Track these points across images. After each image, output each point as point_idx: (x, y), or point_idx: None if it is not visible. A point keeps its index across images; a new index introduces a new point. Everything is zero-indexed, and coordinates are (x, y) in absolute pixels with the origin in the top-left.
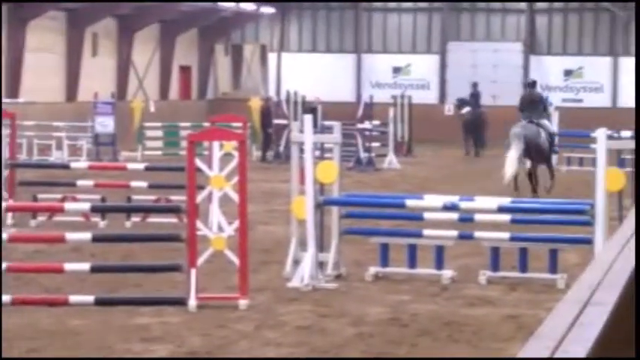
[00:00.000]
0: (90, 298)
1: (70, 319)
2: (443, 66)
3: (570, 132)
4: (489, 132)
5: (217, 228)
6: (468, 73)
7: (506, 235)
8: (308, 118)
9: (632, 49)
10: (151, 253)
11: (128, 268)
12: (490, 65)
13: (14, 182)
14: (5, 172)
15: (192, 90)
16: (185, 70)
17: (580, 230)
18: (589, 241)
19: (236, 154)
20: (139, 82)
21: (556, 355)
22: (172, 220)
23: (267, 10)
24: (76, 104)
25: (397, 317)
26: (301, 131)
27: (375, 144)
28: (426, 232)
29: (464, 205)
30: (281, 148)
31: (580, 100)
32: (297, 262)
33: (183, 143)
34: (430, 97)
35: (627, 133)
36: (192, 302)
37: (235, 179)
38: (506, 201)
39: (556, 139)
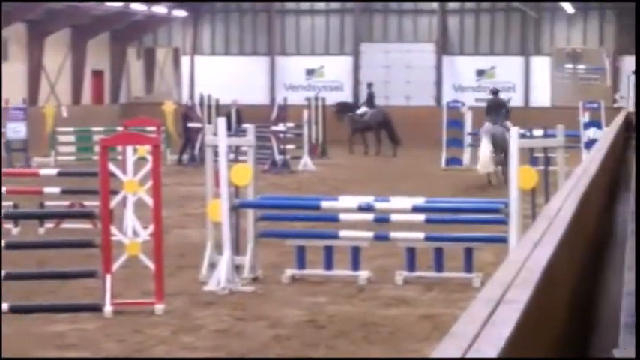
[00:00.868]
0: (4, 306)
1: None
2: (356, 67)
3: None
4: (401, 131)
5: (132, 233)
6: (381, 74)
7: (421, 235)
8: (222, 121)
9: (544, 48)
10: (65, 260)
11: (43, 275)
12: (403, 66)
13: None
14: None
15: (105, 94)
16: (97, 74)
17: (495, 229)
18: (504, 240)
19: (150, 158)
20: (51, 87)
21: (468, 355)
22: (87, 225)
23: (180, 13)
24: None
25: (314, 319)
26: (215, 134)
27: (290, 146)
28: (342, 233)
29: (379, 205)
30: (196, 152)
31: None
32: (213, 266)
33: (97, 148)
34: (344, 98)
35: (539, 132)
36: (108, 308)
37: (149, 184)
38: (420, 201)
39: None
